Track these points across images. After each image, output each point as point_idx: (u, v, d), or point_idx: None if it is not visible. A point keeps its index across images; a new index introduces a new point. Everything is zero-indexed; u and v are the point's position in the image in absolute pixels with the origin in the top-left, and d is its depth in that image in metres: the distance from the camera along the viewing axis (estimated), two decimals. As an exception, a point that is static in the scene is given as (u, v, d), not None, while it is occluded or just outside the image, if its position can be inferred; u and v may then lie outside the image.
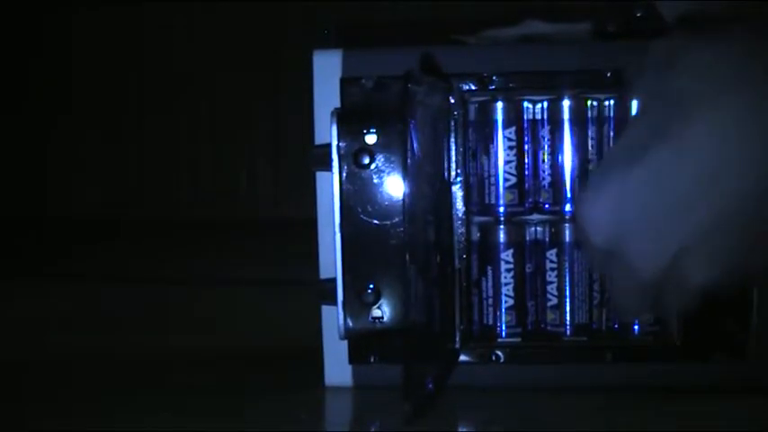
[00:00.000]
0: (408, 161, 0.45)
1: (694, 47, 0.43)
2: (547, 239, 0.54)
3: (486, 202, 0.54)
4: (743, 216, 0.41)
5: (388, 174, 0.50)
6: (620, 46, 0.52)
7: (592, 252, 0.45)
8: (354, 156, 0.50)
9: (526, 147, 0.54)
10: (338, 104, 0.52)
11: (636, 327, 0.54)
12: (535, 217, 0.55)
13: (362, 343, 0.53)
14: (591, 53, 0.52)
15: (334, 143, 0.51)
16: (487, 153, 0.54)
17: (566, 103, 0.54)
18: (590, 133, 0.53)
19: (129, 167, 1.78)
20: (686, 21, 0.50)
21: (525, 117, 0.54)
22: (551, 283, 0.54)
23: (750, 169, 0.41)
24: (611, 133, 0.53)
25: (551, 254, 0.54)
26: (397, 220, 0.50)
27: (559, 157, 0.54)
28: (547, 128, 0.54)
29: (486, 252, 0.54)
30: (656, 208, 0.42)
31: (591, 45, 0.54)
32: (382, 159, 0.50)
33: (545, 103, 0.54)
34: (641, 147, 0.42)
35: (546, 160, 0.54)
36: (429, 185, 0.49)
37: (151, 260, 1.22)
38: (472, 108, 0.54)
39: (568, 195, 0.54)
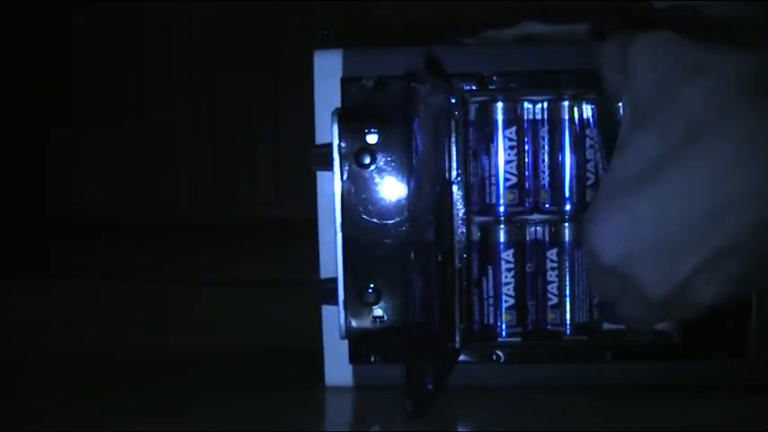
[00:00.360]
0: (409, 161, 0.45)
1: (692, 47, 0.42)
2: (547, 239, 0.54)
3: (487, 201, 0.54)
4: (758, 236, 0.40)
5: (390, 173, 0.51)
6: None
7: (597, 272, 0.44)
8: (355, 155, 0.50)
9: (526, 147, 0.54)
10: (339, 104, 0.52)
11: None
12: (535, 217, 0.55)
13: (363, 343, 0.53)
14: (590, 53, 0.52)
15: (336, 143, 0.51)
16: (488, 153, 0.54)
17: (565, 104, 0.54)
18: (589, 133, 0.54)
19: (129, 167, 1.78)
20: (683, 21, 0.49)
21: (525, 117, 0.54)
22: (552, 282, 0.54)
23: (765, 188, 0.40)
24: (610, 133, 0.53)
25: (552, 253, 0.54)
26: (398, 219, 0.50)
27: (560, 157, 0.54)
28: (547, 128, 0.54)
29: (487, 252, 0.54)
30: (668, 231, 0.41)
31: (590, 45, 0.54)
32: (383, 159, 0.50)
33: (545, 104, 0.54)
34: (651, 167, 0.41)
35: (546, 160, 0.54)
36: (430, 185, 0.49)
37: (151, 260, 1.22)
38: (472, 108, 0.54)
39: (568, 195, 0.54)
